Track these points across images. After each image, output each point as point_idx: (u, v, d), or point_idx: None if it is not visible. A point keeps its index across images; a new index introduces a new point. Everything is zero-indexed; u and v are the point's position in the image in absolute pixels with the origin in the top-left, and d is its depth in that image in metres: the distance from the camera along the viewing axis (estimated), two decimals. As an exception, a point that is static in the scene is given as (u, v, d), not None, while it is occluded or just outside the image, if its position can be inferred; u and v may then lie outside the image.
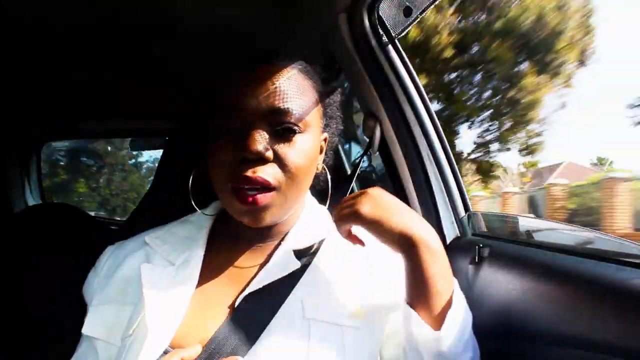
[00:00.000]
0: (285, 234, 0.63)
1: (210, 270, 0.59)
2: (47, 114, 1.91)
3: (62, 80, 1.49)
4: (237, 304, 0.54)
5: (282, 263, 0.58)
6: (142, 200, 1.03)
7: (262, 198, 0.54)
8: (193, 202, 0.63)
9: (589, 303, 0.49)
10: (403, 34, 0.88)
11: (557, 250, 0.61)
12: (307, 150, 0.57)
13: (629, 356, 0.43)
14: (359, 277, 0.60)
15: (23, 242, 1.19)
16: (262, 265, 0.60)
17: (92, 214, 2.24)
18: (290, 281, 0.57)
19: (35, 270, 1.15)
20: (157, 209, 0.71)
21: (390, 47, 0.88)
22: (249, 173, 0.53)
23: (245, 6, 1.02)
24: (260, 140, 0.53)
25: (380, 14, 0.88)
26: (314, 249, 0.61)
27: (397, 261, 0.61)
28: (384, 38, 0.88)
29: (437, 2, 0.79)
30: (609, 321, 0.45)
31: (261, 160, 0.53)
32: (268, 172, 0.54)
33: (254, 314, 0.54)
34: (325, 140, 0.65)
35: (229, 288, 0.58)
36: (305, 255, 0.60)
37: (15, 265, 1.16)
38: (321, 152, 0.64)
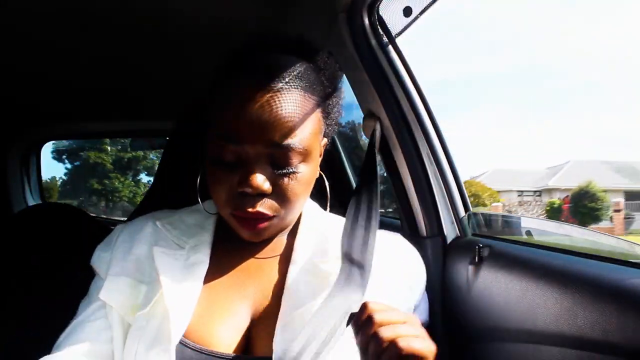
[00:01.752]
0: (291, 231, 0.63)
1: (218, 258, 0.60)
2: (47, 115, 1.91)
3: (62, 80, 1.49)
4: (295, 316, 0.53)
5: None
6: (142, 200, 1.03)
7: (261, 224, 0.55)
8: (199, 200, 0.63)
9: (589, 303, 0.48)
10: (403, 33, 0.88)
11: (557, 250, 0.61)
12: (307, 178, 0.56)
13: (630, 356, 0.43)
14: (372, 293, 0.58)
15: (23, 242, 1.19)
16: (270, 260, 0.60)
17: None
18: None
19: (35, 270, 1.15)
20: (157, 209, 0.72)
21: (390, 47, 0.88)
22: (249, 208, 0.53)
23: (245, 7, 1.02)
24: (261, 177, 0.52)
25: (380, 14, 0.88)
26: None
27: (405, 273, 0.62)
28: (384, 38, 0.88)
29: (436, 2, 0.79)
30: (609, 321, 0.45)
31: (260, 195, 0.53)
32: (267, 206, 0.54)
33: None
34: (324, 145, 0.64)
35: (236, 277, 0.59)
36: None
37: (15, 265, 1.16)
38: (321, 156, 0.63)
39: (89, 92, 1.62)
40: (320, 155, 0.63)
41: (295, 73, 0.54)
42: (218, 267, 0.59)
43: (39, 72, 1.41)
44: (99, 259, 0.62)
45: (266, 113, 0.51)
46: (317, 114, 0.57)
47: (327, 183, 0.64)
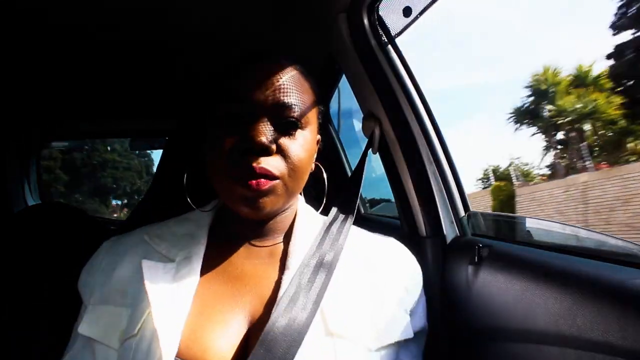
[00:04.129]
0: (286, 234, 0.63)
1: (210, 268, 0.58)
2: (47, 114, 1.91)
3: (63, 80, 1.49)
4: (258, 316, 0.54)
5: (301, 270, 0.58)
6: (141, 200, 1.03)
7: (265, 182, 0.54)
8: (189, 200, 0.63)
9: (589, 303, 0.48)
10: (403, 34, 0.88)
11: (557, 250, 0.61)
12: (307, 145, 0.59)
13: (630, 356, 0.43)
14: (368, 295, 0.59)
15: (23, 242, 1.19)
16: (265, 266, 0.60)
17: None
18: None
19: (35, 270, 1.15)
20: (157, 209, 0.71)
21: (390, 47, 0.88)
22: (254, 164, 0.53)
23: (245, 6, 1.02)
24: (266, 133, 0.54)
25: (380, 13, 0.88)
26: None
27: (409, 280, 0.63)
28: (384, 38, 0.89)
29: (437, 2, 0.79)
30: (609, 321, 0.45)
31: (265, 152, 0.54)
32: (271, 164, 0.54)
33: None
34: (318, 141, 0.66)
35: (230, 286, 0.57)
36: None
37: (15, 265, 1.16)
38: (316, 153, 0.66)
39: (89, 92, 1.62)
40: (317, 144, 0.65)
41: (294, 62, 0.61)
42: (211, 277, 0.58)
43: (39, 72, 1.42)
44: (84, 284, 0.62)
45: (269, 77, 0.57)
46: (313, 97, 0.62)
47: (324, 174, 0.66)
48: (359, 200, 0.73)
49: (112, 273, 0.59)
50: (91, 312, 0.58)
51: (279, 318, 0.52)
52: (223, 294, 0.56)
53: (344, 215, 0.67)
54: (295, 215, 0.65)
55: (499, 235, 0.75)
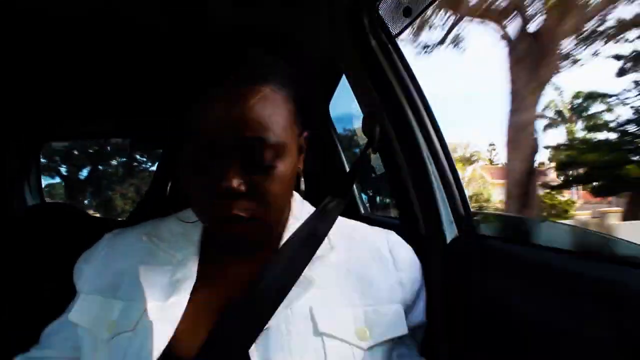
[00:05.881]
0: (280, 236, 0.62)
1: (207, 269, 0.59)
2: (47, 114, 1.91)
3: (62, 80, 1.49)
4: (229, 308, 0.54)
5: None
6: (141, 200, 1.03)
7: (239, 227, 0.53)
8: (174, 208, 0.64)
9: (589, 304, 0.49)
10: (403, 33, 0.88)
11: (557, 250, 0.61)
12: (284, 175, 0.54)
13: (630, 356, 0.43)
14: (361, 290, 0.59)
15: (23, 243, 1.19)
16: (259, 266, 0.59)
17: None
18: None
19: (35, 270, 1.15)
20: (157, 208, 0.72)
21: (390, 47, 0.88)
22: (224, 210, 0.51)
23: (244, 6, 1.02)
24: (233, 176, 0.50)
25: (381, 13, 0.88)
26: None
27: (408, 279, 0.62)
28: (384, 38, 0.89)
29: (436, 2, 0.79)
30: (609, 322, 0.46)
31: (235, 194, 0.51)
32: (242, 207, 0.52)
33: (250, 321, 0.53)
34: (305, 138, 0.62)
35: (225, 288, 0.58)
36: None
37: (15, 265, 1.16)
38: (302, 152, 0.62)
39: (89, 92, 1.62)
40: (301, 151, 0.61)
41: (263, 68, 0.55)
42: (206, 278, 0.58)
43: (39, 72, 1.42)
44: (78, 273, 0.63)
45: (234, 109, 0.51)
46: (289, 107, 0.56)
47: (302, 181, 0.65)
48: (359, 201, 0.73)
49: (109, 265, 0.60)
50: (83, 300, 0.59)
51: (261, 281, 0.54)
52: (218, 295, 0.57)
53: (338, 199, 0.67)
54: (289, 216, 0.63)
55: (499, 235, 0.75)
